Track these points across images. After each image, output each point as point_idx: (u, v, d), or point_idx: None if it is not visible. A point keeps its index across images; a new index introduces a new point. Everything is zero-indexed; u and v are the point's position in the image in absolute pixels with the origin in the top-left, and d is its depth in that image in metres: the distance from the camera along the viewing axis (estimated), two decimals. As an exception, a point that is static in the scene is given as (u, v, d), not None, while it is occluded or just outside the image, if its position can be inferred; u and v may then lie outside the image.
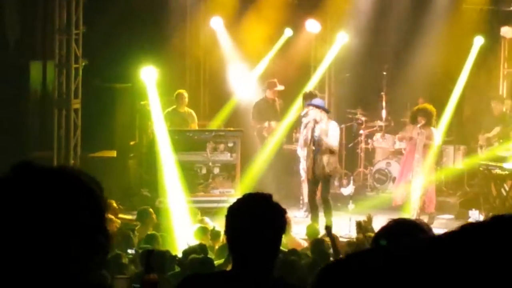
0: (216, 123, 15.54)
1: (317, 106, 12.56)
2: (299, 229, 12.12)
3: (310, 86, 15.59)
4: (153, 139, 14.39)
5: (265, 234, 3.22)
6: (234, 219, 3.28)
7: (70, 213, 1.76)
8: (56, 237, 1.74)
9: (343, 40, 15.65)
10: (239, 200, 3.35)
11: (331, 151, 12.64)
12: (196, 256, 8.19)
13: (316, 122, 12.52)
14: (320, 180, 12.73)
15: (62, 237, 1.74)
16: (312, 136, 12.55)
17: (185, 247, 9.23)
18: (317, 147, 12.56)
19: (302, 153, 13.56)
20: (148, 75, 13.60)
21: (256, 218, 3.22)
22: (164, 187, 13.24)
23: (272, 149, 14.71)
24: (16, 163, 1.81)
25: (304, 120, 12.99)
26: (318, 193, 12.99)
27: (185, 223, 11.81)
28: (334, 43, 15.77)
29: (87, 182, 1.83)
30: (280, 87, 14.99)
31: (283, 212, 3.31)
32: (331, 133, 12.57)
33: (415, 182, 13.23)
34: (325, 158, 12.59)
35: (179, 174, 13.58)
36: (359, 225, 10.60)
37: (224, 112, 15.75)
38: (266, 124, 14.82)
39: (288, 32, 16.22)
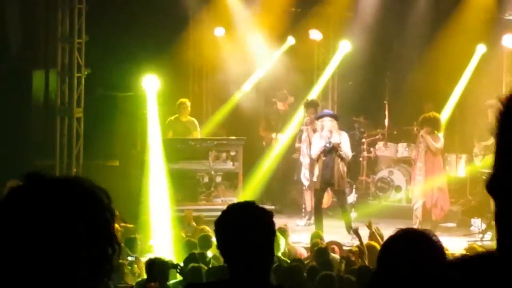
0: (212, 125, 15.56)
1: (332, 116, 12.78)
2: (301, 238, 12.10)
3: (314, 94, 15.62)
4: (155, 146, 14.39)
5: (254, 241, 3.23)
6: (221, 231, 3.30)
7: (81, 224, 1.76)
8: (66, 247, 1.74)
9: (345, 48, 15.68)
10: (223, 213, 3.38)
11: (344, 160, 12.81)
12: (196, 265, 8.17)
13: (331, 132, 12.63)
14: (337, 188, 12.82)
15: (71, 247, 1.74)
16: (327, 145, 12.63)
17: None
18: (336, 156, 12.68)
19: (305, 161, 13.58)
20: (150, 84, 13.60)
21: (241, 227, 3.24)
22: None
23: (275, 158, 14.71)
24: (27, 172, 1.81)
25: (304, 129, 13.14)
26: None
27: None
28: (337, 51, 15.78)
29: (97, 192, 1.83)
30: (291, 99, 15.01)
31: (268, 215, 3.31)
32: (345, 142, 12.73)
33: (417, 190, 13.22)
34: (344, 167, 12.74)
35: (179, 183, 13.58)
36: (355, 231, 10.66)
37: (222, 113, 15.77)
38: (274, 135, 14.81)
39: (290, 40, 16.23)
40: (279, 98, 15.02)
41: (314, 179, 13.03)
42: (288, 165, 15.00)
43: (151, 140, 13.66)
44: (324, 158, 12.75)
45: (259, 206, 3.35)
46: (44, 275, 1.72)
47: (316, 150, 12.88)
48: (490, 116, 14.69)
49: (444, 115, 14.61)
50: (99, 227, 1.79)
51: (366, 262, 9.06)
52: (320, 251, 9.62)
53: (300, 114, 14.63)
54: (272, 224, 3.30)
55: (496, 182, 1.23)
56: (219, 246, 3.31)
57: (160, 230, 11.95)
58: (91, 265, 1.77)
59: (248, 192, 14.12)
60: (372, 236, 10.31)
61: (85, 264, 1.76)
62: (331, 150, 12.67)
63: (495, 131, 1.26)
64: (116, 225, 10.39)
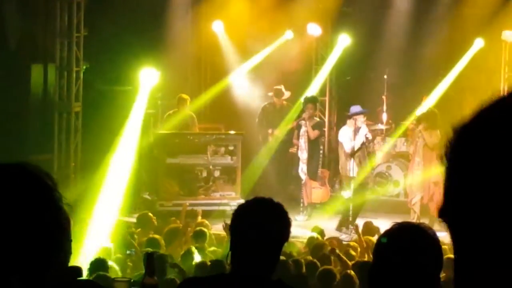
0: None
1: (364, 113, 13.05)
2: (299, 232, 12.10)
3: (312, 89, 15.63)
4: (153, 142, 14.40)
5: (272, 242, 3.26)
6: (242, 221, 3.30)
7: (28, 210, 1.76)
8: (10, 232, 1.73)
9: (344, 42, 15.67)
10: (251, 203, 3.38)
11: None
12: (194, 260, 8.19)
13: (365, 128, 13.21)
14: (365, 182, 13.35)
15: (15, 232, 1.73)
16: (365, 143, 13.13)
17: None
18: (366, 152, 13.03)
19: (303, 156, 13.61)
20: (148, 78, 13.61)
21: (268, 225, 3.25)
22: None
23: (272, 153, 14.72)
24: None
25: (303, 124, 13.29)
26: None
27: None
28: (336, 46, 15.78)
29: (42, 176, 1.82)
30: (287, 94, 14.99)
31: (290, 222, 3.36)
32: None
33: (414, 185, 13.24)
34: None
35: (177, 177, 13.59)
36: (356, 228, 10.69)
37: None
38: (270, 131, 14.79)
39: (288, 34, 16.22)
40: (275, 93, 15.01)
41: (353, 174, 13.13)
42: (286, 159, 15.01)
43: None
44: (359, 154, 13.01)
45: (283, 206, 3.35)
46: None
47: (357, 146, 13.12)
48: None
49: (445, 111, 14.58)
50: (44, 212, 1.78)
51: (366, 257, 9.08)
52: (317, 246, 9.64)
53: (297, 109, 14.67)
54: (289, 230, 3.34)
55: (445, 210, 1.22)
56: (233, 234, 3.29)
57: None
58: (39, 252, 1.76)
59: (246, 186, 14.14)
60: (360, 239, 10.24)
61: (33, 250, 1.75)
62: (363, 147, 13.04)
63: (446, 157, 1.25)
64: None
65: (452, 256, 1.21)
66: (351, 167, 13.15)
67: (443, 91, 15.37)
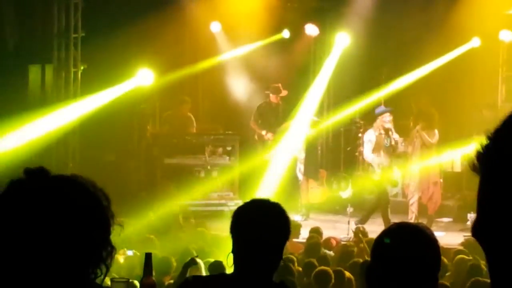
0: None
1: (386, 111, 13.05)
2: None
3: (311, 89, 15.62)
4: (151, 142, 14.40)
5: (273, 241, 3.28)
6: (244, 222, 3.31)
7: (78, 223, 1.77)
8: (61, 245, 1.74)
9: (342, 42, 15.61)
10: (250, 204, 3.39)
11: None
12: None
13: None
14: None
15: (66, 245, 1.74)
16: (393, 144, 13.21)
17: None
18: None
19: (300, 156, 13.63)
20: (145, 78, 13.64)
21: (268, 225, 3.27)
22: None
23: (271, 152, 14.70)
24: (30, 167, 1.81)
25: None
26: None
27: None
28: (334, 46, 15.75)
29: (95, 192, 1.83)
30: (284, 92, 14.95)
31: (289, 221, 3.37)
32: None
33: (412, 185, 13.25)
34: None
35: (175, 178, 13.58)
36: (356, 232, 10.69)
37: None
38: (263, 132, 14.72)
39: (285, 33, 16.20)
40: (272, 91, 14.95)
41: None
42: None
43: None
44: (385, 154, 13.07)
45: (280, 205, 3.37)
46: (36, 269, 1.72)
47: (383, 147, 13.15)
48: (485, 115, 14.73)
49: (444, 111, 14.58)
50: (94, 228, 1.79)
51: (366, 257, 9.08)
52: (312, 246, 9.64)
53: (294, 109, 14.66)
54: (290, 230, 3.35)
55: (481, 228, 1.11)
56: (235, 235, 3.30)
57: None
58: (85, 264, 1.77)
59: (244, 187, 14.13)
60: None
61: (79, 261, 1.76)
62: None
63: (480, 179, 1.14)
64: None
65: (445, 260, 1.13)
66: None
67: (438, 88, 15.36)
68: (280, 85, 15.02)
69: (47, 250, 1.73)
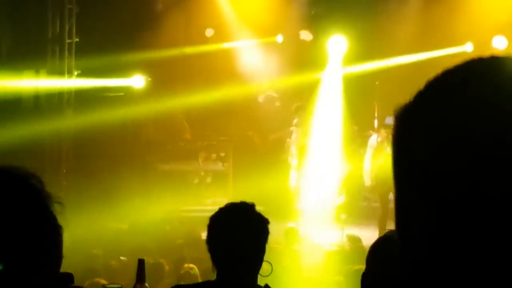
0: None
1: None
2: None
3: (303, 95, 15.62)
4: (145, 148, 14.39)
5: (248, 244, 3.25)
6: (216, 229, 3.30)
7: (13, 215, 1.75)
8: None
9: (337, 48, 15.59)
10: (221, 210, 3.37)
11: None
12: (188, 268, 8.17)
13: None
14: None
15: (7, 235, 1.73)
16: None
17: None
18: None
19: (293, 162, 13.64)
20: (140, 83, 13.66)
21: (238, 228, 3.25)
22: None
23: (266, 158, 14.71)
24: None
25: (294, 130, 13.21)
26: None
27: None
28: (328, 51, 15.73)
29: (29, 178, 1.81)
30: (276, 99, 14.95)
31: (265, 221, 3.33)
32: None
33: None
34: None
35: (169, 184, 13.57)
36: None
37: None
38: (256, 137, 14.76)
39: (279, 38, 16.22)
40: (266, 99, 14.99)
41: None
42: (277, 166, 14.98)
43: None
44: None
45: (256, 209, 3.35)
46: None
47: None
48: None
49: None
50: (32, 214, 1.77)
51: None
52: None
53: (288, 115, 14.67)
54: (267, 229, 3.32)
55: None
56: (210, 243, 3.30)
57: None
58: (26, 256, 1.75)
59: (238, 193, 14.12)
60: None
61: (19, 254, 1.74)
62: None
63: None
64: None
65: None
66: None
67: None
68: (271, 92, 15.01)
69: None
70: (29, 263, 1.74)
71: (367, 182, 13.11)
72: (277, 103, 14.98)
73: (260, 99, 15.23)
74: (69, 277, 1.99)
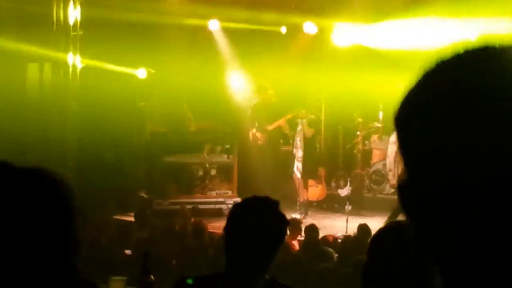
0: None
1: None
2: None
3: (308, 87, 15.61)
4: (150, 140, 14.41)
5: (264, 244, 3.25)
6: (236, 222, 3.30)
7: (41, 215, 1.77)
8: (25, 236, 1.75)
9: (339, 41, 15.59)
10: (245, 202, 3.37)
11: None
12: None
13: None
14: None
15: (30, 237, 1.75)
16: None
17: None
18: None
19: (298, 154, 13.65)
20: (144, 75, 13.68)
21: (258, 227, 3.24)
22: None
23: (268, 150, 14.70)
24: None
25: (300, 122, 13.32)
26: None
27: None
28: (331, 44, 15.74)
29: (60, 184, 1.83)
30: (270, 91, 14.83)
31: (285, 222, 3.35)
32: None
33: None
34: None
35: (174, 176, 13.59)
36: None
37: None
38: (254, 130, 14.71)
39: (283, 29, 16.22)
40: (258, 89, 14.89)
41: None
42: (280, 157, 14.96)
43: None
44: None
45: (280, 209, 3.34)
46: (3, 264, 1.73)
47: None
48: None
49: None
50: (59, 219, 1.79)
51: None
52: (311, 245, 9.64)
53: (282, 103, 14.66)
54: (285, 230, 3.34)
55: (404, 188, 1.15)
56: (228, 232, 3.29)
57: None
58: (48, 256, 1.77)
59: (242, 185, 14.13)
60: None
61: (43, 254, 1.76)
62: None
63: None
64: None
65: None
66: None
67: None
68: (265, 84, 14.89)
69: (9, 244, 1.74)
70: (46, 262, 1.77)
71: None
72: (269, 93, 14.86)
73: (255, 90, 15.13)
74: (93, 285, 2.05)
